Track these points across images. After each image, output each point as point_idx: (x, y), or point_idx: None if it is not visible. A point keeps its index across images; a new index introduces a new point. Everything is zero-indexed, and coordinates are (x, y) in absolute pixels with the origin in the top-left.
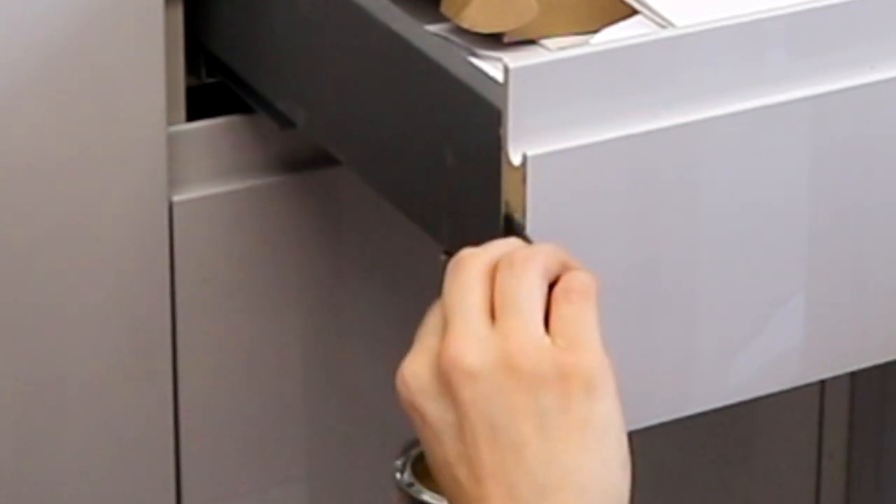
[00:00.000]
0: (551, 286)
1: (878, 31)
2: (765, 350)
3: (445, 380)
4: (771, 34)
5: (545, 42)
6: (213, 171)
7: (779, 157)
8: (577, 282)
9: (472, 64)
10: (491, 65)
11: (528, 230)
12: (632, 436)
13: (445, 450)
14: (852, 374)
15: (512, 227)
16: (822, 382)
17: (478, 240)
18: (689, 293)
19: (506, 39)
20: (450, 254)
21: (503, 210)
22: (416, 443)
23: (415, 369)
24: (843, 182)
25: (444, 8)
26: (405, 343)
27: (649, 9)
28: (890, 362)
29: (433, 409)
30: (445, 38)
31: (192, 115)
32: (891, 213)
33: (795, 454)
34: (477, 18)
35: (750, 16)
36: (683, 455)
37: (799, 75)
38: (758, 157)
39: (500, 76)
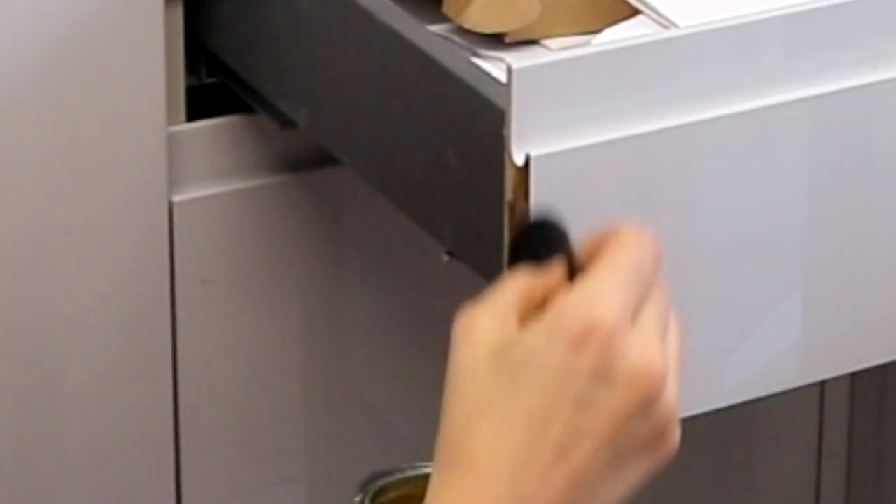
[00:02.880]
0: None
1: (880, 31)
2: (763, 351)
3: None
4: (771, 35)
5: (547, 42)
6: (213, 171)
7: (778, 157)
8: None
9: (474, 64)
10: (493, 65)
11: None
12: None
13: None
14: (852, 374)
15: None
16: (822, 382)
17: (480, 240)
18: (687, 293)
19: (508, 40)
20: (452, 254)
21: (506, 210)
22: (374, 477)
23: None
24: (842, 182)
25: (446, 8)
26: (405, 343)
27: (651, 9)
28: (890, 362)
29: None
30: (447, 39)
31: (192, 115)
32: (890, 213)
33: (795, 454)
34: (479, 19)
35: (750, 16)
36: (683, 455)
37: (799, 76)
38: (757, 158)
39: (502, 76)
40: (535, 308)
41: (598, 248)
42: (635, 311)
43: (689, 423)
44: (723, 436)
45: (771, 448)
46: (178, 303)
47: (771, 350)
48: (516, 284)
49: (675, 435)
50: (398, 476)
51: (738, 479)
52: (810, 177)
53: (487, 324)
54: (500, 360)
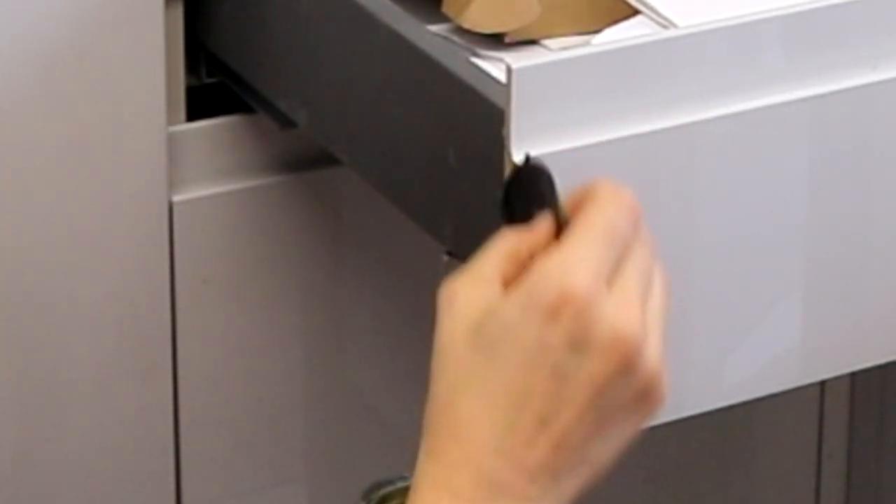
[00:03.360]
0: None
1: (880, 31)
2: (763, 351)
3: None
4: (771, 35)
5: (547, 42)
6: (213, 171)
7: (777, 157)
8: None
9: (474, 64)
10: (493, 65)
11: None
12: None
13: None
14: (852, 374)
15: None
16: (822, 382)
17: (480, 240)
18: (687, 293)
19: (507, 40)
20: (451, 254)
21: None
22: (377, 486)
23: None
24: (841, 182)
25: (446, 8)
26: (405, 342)
27: (651, 9)
28: (890, 362)
29: None
30: (447, 39)
31: (192, 115)
32: (889, 213)
33: (795, 454)
34: (478, 19)
35: (750, 16)
36: (683, 455)
37: (799, 76)
38: (756, 158)
39: (501, 76)
40: (521, 269)
41: (577, 206)
42: (612, 274)
43: (689, 423)
44: (723, 436)
45: (771, 448)
46: (178, 303)
47: (771, 350)
48: (501, 247)
49: (662, 390)
50: (401, 484)
51: (738, 479)
52: (810, 177)
53: (469, 294)
54: (479, 333)
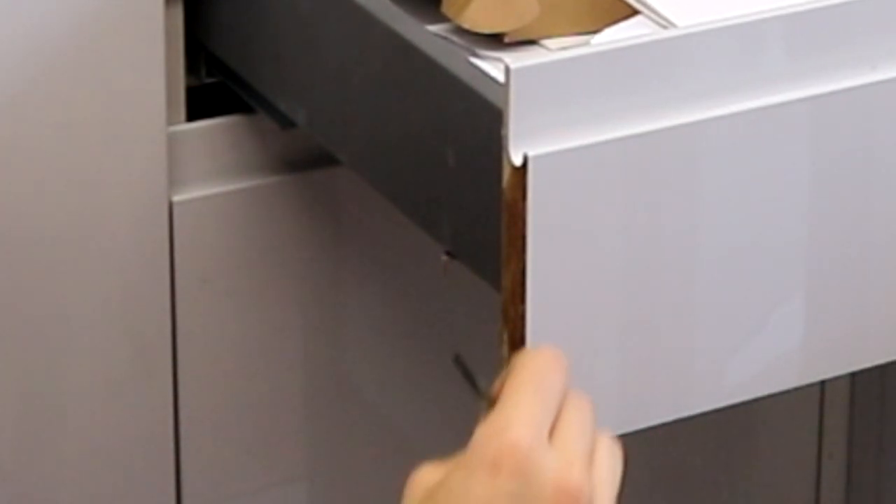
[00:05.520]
0: None
1: (879, 31)
2: (764, 351)
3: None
4: (771, 34)
5: (546, 42)
6: (213, 171)
7: (778, 157)
8: None
9: (473, 64)
10: (492, 65)
11: (529, 230)
12: (632, 436)
13: None
14: (852, 374)
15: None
16: (822, 382)
17: (478, 240)
18: (688, 293)
19: (506, 40)
20: (450, 254)
21: (504, 211)
22: None
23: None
24: (842, 182)
25: (445, 8)
26: (405, 342)
27: (650, 9)
28: (890, 362)
29: None
30: (446, 39)
31: (192, 115)
32: (890, 213)
33: (795, 454)
34: (478, 18)
35: (750, 16)
36: (683, 455)
37: (798, 76)
38: (757, 158)
39: (500, 76)
40: None
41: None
42: (552, 426)
43: (689, 423)
44: (723, 436)
45: (771, 448)
46: (178, 303)
47: (772, 350)
48: None
49: None
50: None
51: (738, 479)
52: (810, 177)
53: (425, 471)
54: (430, 501)
